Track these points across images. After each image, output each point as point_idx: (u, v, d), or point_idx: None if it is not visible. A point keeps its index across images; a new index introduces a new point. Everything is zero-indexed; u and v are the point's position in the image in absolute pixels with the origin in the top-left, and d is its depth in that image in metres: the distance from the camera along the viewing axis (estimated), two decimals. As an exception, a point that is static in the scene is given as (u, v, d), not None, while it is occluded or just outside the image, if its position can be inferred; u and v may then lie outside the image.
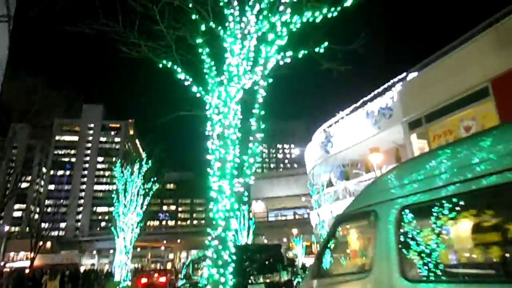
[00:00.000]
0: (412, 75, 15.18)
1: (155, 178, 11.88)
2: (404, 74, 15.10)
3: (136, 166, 12.08)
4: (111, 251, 59.09)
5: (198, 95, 4.05)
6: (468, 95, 11.96)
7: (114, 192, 12.22)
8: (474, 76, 11.78)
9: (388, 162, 16.40)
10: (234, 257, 3.60)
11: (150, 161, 11.99)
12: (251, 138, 3.54)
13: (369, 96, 17.02)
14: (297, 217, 56.83)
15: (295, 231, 38.09)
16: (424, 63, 14.59)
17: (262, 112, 3.62)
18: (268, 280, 7.18)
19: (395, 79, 15.65)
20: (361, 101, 17.67)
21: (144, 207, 11.77)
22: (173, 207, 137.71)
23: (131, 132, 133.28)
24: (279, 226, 54.12)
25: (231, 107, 3.73)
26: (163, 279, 27.36)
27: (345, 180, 19.40)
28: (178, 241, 65.98)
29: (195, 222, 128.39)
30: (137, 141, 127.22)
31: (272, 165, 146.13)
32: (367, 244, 4.01)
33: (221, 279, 3.41)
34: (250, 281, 6.91)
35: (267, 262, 7.83)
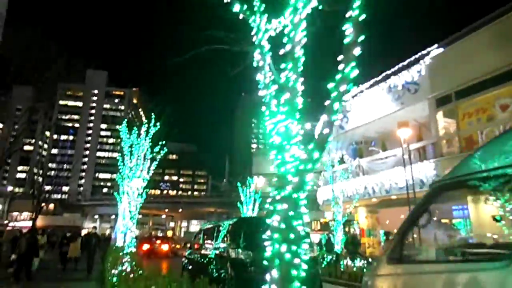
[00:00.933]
0: (437, 51, 14.00)
1: (164, 142, 11.14)
2: (435, 46, 13.93)
3: (143, 129, 11.34)
4: (113, 216, 59.66)
5: (237, 20, 3.13)
6: (507, 71, 10.92)
7: (119, 155, 11.56)
8: (517, 50, 10.71)
9: (409, 141, 15.56)
10: (308, 230, 2.80)
11: (158, 123, 11.21)
12: (340, 57, 2.58)
13: (393, 69, 15.89)
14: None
15: (298, 207, 37.87)
16: (457, 35, 13.42)
17: (363, 16, 2.61)
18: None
19: (424, 52, 14.50)
20: (383, 74, 16.56)
21: (151, 171, 11.10)
22: (174, 178, 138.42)
23: (135, 101, 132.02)
24: (280, 201, 54.08)
25: (302, 17, 2.80)
26: (165, 247, 27.11)
27: (358, 157, 18.60)
28: (180, 210, 66.39)
29: (196, 193, 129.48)
30: (141, 112, 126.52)
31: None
32: (494, 221, 3.17)
33: (295, 260, 2.53)
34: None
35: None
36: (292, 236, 2.43)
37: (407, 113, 15.04)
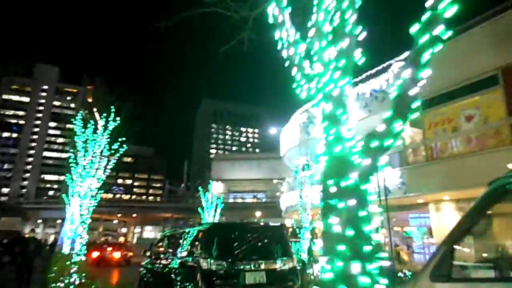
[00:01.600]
0: (399, 63, 14.28)
1: (124, 138, 10.11)
2: (405, 55, 14.16)
3: (101, 123, 10.23)
4: (59, 221, 55.38)
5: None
6: (474, 82, 11.25)
7: (72, 152, 10.34)
8: (483, 63, 11.05)
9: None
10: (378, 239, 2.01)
11: (118, 118, 10.17)
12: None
13: (361, 77, 16.00)
14: (255, 200, 56.68)
15: (258, 213, 37.55)
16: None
17: None
18: (265, 267, 5.89)
19: (392, 61, 14.71)
20: (352, 82, 16.63)
21: (107, 171, 10.01)
22: (128, 181, 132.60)
23: (89, 100, 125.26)
24: (239, 208, 53.38)
25: None
26: (117, 254, 25.22)
27: (323, 164, 18.48)
28: (134, 215, 63.26)
29: (151, 198, 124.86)
30: (95, 112, 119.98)
31: (234, 148, 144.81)
32: None
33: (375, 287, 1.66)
34: (248, 267, 5.59)
35: (260, 244, 6.54)
36: (366, 248, 1.67)
37: (374, 121, 15.13)
